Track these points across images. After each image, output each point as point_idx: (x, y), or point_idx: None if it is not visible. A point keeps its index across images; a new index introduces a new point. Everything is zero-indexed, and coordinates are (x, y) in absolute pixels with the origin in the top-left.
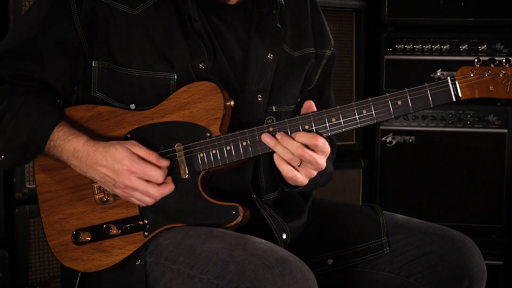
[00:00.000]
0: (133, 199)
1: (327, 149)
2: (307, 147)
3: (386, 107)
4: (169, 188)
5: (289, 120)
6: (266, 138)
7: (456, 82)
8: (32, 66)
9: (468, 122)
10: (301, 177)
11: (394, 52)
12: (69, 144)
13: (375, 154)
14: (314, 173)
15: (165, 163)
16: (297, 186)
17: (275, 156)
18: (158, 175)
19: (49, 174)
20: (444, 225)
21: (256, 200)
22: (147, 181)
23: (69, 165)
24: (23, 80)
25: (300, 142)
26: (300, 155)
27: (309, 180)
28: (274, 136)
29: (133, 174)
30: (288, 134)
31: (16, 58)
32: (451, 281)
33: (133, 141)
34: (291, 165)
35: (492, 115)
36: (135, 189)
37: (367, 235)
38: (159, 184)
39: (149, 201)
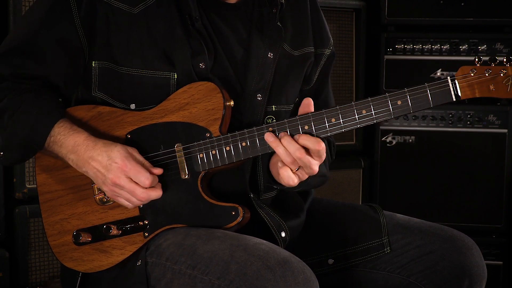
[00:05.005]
0: (120, 199)
1: (324, 155)
2: (307, 151)
3: (386, 107)
4: (156, 192)
5: (289, 121)
6: (269, 138)
7: (456, 82)
8: (33, 65)
9: (468, 122)
10: (295, 181)
11: (394, 52)
12: (70, 139)
13: (375, 154)
14: (306, 176)
15: (157, 171)
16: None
17: (277, 160)
18: (145, 178)
19: (50, 174)
20: (444, 225)
21: (253, 200)
22: (135, 183)
23: (67, 160)
24: (24, 78)
25: (302, 145)
26: (298, 158)
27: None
28: (277, 136)
29: (124, 172)
30: (288, 134)
31: (17, 57)
32: (452, 280)
33: (134, 148)
34: (290, 169)
35: (492, 115)
36: (122, 188)
37: (367, 235)
38: (146, 188)
39: (136, 201)
